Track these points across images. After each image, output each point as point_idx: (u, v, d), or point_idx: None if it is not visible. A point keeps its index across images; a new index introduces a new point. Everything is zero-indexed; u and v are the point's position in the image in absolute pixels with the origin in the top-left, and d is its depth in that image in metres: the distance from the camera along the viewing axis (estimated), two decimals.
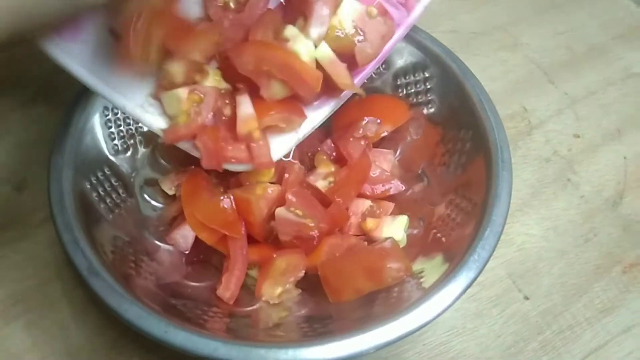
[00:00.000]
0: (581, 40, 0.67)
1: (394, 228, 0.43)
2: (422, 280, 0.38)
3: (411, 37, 0.46)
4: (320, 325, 0.38)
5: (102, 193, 0.41)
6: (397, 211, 0.46)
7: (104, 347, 0.42)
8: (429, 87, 0.47)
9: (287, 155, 0.40)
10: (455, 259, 0.36)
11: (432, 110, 0.47)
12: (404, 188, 0.45)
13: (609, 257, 0.51)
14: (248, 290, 0.41)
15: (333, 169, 0.44)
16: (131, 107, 0.36)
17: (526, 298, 0.48)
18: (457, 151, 0.45)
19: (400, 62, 0.48)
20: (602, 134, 0.59)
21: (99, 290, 0.33)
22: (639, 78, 0.65)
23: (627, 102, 0.62)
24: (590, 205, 0.54)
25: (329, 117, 0.41)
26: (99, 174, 0.41)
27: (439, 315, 0.33)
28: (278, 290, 0.40)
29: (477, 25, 0.66)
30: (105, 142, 0.43)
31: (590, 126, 0.60)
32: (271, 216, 0.40)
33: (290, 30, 0.37)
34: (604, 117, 0.61)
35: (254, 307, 0.40)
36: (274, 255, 0.40)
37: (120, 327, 0.42)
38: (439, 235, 0.42)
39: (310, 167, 0.45)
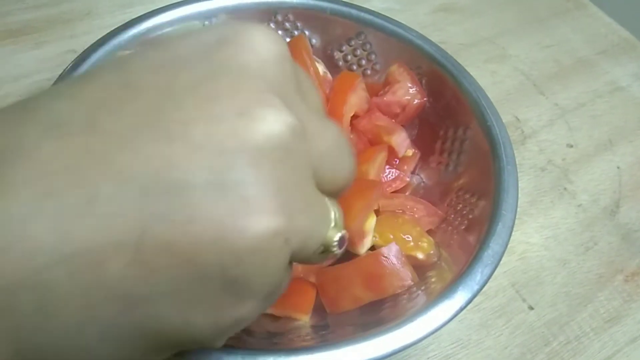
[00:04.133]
0: (567, 54, 0.67)
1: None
2: (431, 285, 0.35)
3: (402, 35, 0.45)
4: (316, 335, 0.35)
5: None
6: None
7: None
8: (422, 85, 0.45)
9: None
10: (467, 257, 0.34)
11: (426, 109, 0.45)
12: (408, 179, 0.43)
13: (610, 266, 0.50)
14: None
15: None
16: None
17: (531, 308, 0.46)
18: (455, 150, 0.43)
19: (392, 61, 0.46)
20: (595, 144, 0.59)
21: None
22: (625, 92, 0.65)
23: (616, 114, 0.62)
24: (588, 214, 0.53)
25: None
26: None
27: (459, 311, 0.30)
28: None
29: (465, 37, 0.65)
30: None
31: (582, 136, 0.59)
32: None
33: None
34: (595, 128, 0.60)
35: None
36: None
37: None
38: (444, 237, 0.39)
39: None
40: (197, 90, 0.19)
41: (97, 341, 0.18)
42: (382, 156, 0.41)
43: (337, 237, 0.23)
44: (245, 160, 0.18)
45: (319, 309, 0.37)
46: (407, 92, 0.43)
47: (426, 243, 0.38)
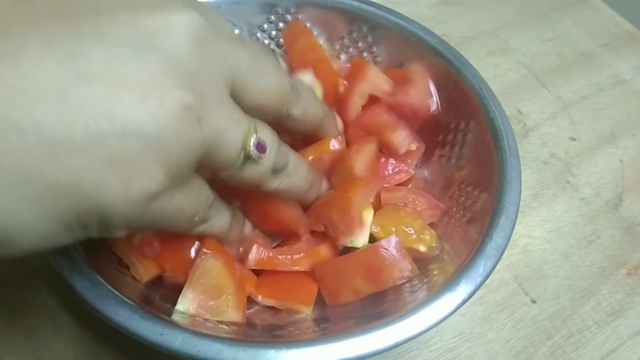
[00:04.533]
0: (570, 47, 0.67)
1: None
2: (433, 277, 0.35)
3: (405, 28, 0.45)
4: (318, 328, 0.35)
5: None
6: None
7: (77, 359, 0.38)
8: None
9: None
10: (470, 250, 0.33)
11: None
12: (413, 172, 0.43)
13: (613, 259, 0.49)
14: None
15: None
16: None
17: (533, 301, 0.45)
18: (457, 143, 0.43)
19: (394, 53, 0.46)
20: (598, 138, 0.58)
21: (81, 290, 0.29)
22: (628, 85, 0.64)
23: (618, 107, 0.62)
24: (590, 207, 0.52)
25: None
26: None
27: (462, 304, 0.30)
28: None
29: (467, 30, 0.65)
30: None
31: (585, 130, 0.59)
32: None
33: None
34: (598, 121, 0.60)
35: (250, 310, 0.36)
36: None
37: (97, 335, 0.38)
38: (446, 230, 0.39)
39: None
40: None
41: (7, 193, 0.19)
42: (369, 148, 0.40)
43: (252, 138, 0.26)
44: (164, 42, 0.21)
45: (320, 302, 0.37)
46: (421, 97, 0.42)
47: (428, 236, 0.37)
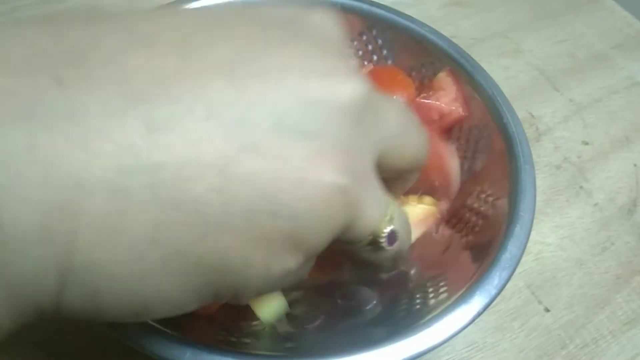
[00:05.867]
0: (582, 49, 0.65)
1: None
2: (443, 288, 0.34)
3: (415, 30, 0.44)
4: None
5: None
6: None
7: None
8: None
9: None
10: (483, 261, 0.33)
11: None
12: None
13: (627, 266, 0.48)
14: None
15: None
16: None
17: (547, 310, 0.44)
18: (469, 149, 0.42)
19: (405, 56, 0.45)
20: (611, 141, 0.57)
21: None
22: None
23: (632, 110, 0.60)
24: (604, 214, 0.51)
25: None
26: None
27: (477, 316, 0.29)
28: None
29: (476, 31, 0.64)
30: None
31: (598, 133, 0.58)
32: None
33: None
34: (612, 124, 0.59)
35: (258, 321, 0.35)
36: None
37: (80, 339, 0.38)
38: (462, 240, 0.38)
39: None
40: (287, 44, 0.21)
41: (155, 269, 0.18)
42: None
43: (387, 228, 0.24)
44: (328, 115, 0.20)
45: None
46: (450, 102, 0.41)
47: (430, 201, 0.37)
